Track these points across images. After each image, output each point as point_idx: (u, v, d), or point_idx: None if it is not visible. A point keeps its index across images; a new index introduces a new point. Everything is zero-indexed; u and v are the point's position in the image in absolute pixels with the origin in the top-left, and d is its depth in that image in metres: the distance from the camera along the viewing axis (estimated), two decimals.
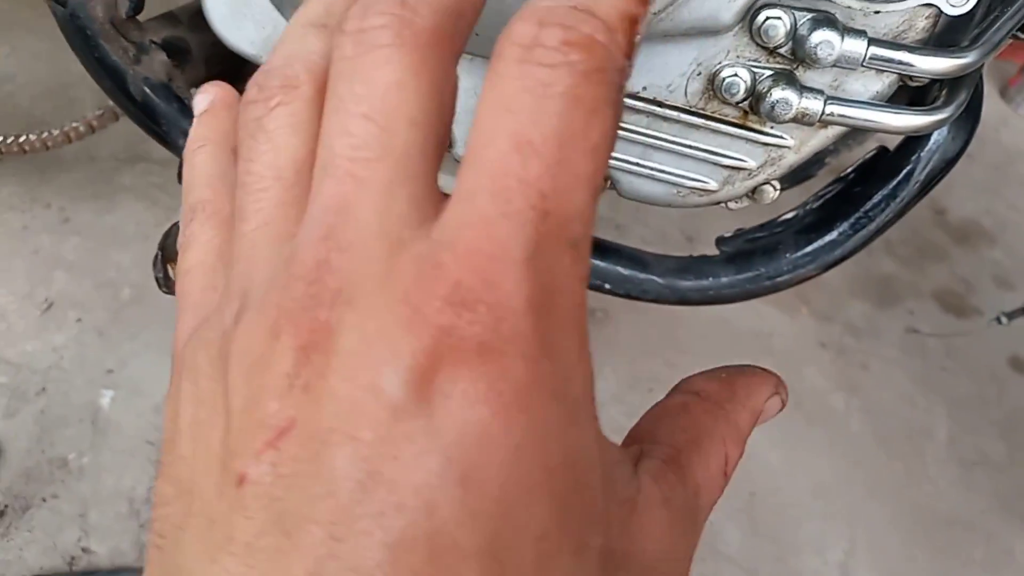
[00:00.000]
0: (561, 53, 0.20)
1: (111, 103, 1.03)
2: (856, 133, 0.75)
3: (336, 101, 0.21)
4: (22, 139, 1.03)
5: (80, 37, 0.55)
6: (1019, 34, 0.54)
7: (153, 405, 1.34)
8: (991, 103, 2.96)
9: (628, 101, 0.52)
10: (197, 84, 0.66)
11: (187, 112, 0.59)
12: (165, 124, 0.58)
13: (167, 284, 0.50)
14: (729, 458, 0.27)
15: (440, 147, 0.22)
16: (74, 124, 1.00)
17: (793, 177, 0.74)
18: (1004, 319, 1.70)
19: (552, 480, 0.18)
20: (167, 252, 0.51)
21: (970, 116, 0.57)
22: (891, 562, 1.51)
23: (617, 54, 0.21)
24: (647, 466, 0.25)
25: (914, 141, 0.58)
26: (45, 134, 1.01)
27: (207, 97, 0.31)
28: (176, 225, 0.52)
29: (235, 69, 0.69)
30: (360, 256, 0.19)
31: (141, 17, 0.59)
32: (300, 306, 0.19)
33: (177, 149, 0.59)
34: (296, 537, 0.17)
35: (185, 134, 0.59)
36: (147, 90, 0.57)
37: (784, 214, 0.64)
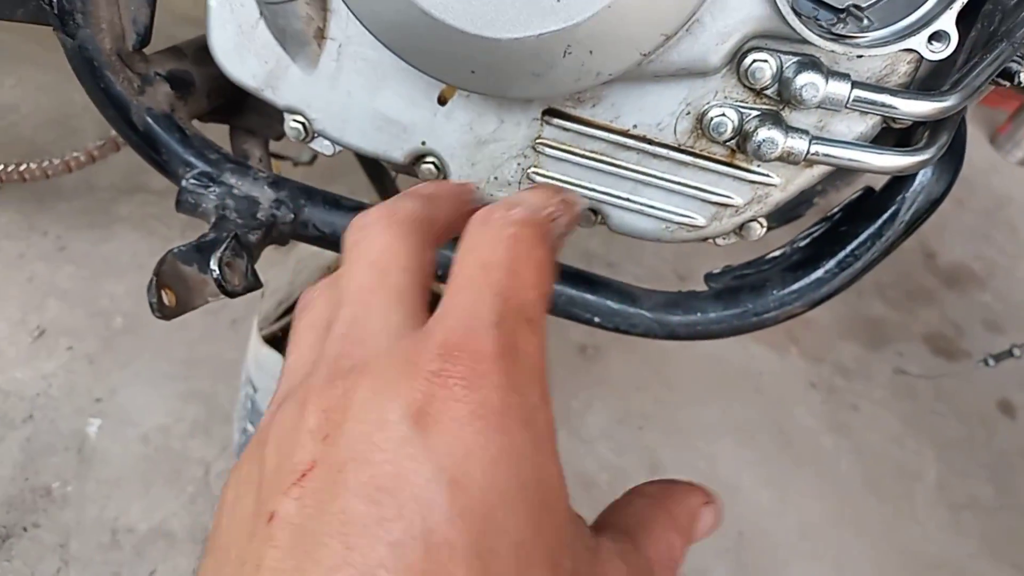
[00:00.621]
0: (506, 220, 0.30)
1: (113, 133, 1.05)
2: (843, 174, 0.77)
3: (349, 261, 0.31)
4: (23, 167, 1.05)
5: (87, 68, 0.56)
6: (999, 80, 0.56)
7: (141, 435, 1.34)
8: (981, 150, 3.01)
9: (618, 139, 0.53)
10: (199, 115, 0.67)
11: (188, 143, 0.60)
12: (165, 153, 0.59)
13: (161, 308, 0.50)
14: (673, 546, 0.31)
15: (423, 286, 0.30)
16: (75, 154, 1.01)
17: (781, 216, 0.75)
18: (991, 361, 1.71)
19: (525, 492, 0.23)
20: (162, 278, 0.51)
21: (954, 158, 0.59)
22: None
23: (544, 221, 0.31)
24: (605, 535, 0.29)
25: (899, 182, 0.59)
26: (46, 163, 1.03)
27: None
28: (171, 251, 0.53)
29: (237, 102, 0.70)
30: (370, 343, 0.26)
31: (147, 50, 0.60)
32: (323, 383, 0.25)
33: (176, 178, 0.60)
34: (316, 554, 0.21)
35: (185, 164, 0.60)
36: (150, 120, 0.59)
37: (772, 252, 0.65)
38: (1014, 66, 0.58)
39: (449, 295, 0.27)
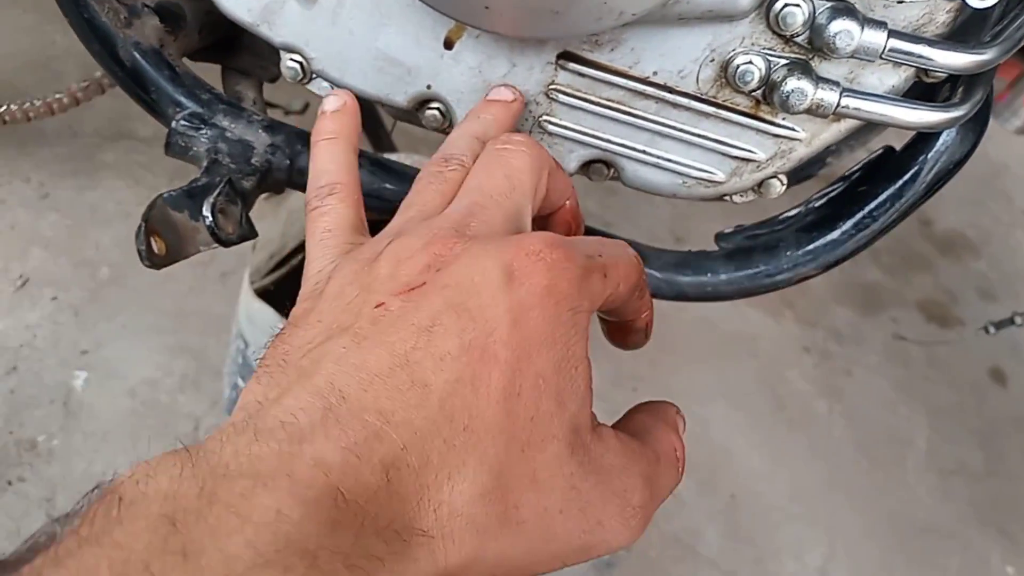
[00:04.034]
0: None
1: (98, 74, 1.00)
2: (860, 134, 0.74)
3: (486, 165, 0.38)
4: (2, 109, 1.00)
5: None
6: None
7: (128, 388, 1.31)
8: None
9: (637, 86, 0.50)
10: (190, 53, 0.64)
11: (178, 81, 0.56)
12: (155, 92, 0.56)
13: (150, 256, 0.47)
14: (675, 445, 0.36)
15: (531, 213, 0.38)
16: (57, 95, 0.97)
17: (795, 176, 0.73)
18: (992, 328, 1.71)
19: (556, 352, 0.30)
20: (152, 224, 0.48)
21: (978, 119, 0.56)
22: (868, 568, 1.51)
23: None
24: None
25: (922, 142, 0.57)
26: (27, 104, 0.98)
27: (339, 99, 0.48)
28: (160, 196, 0.50)
29: (231, 39, 0.67)
30: (488, 228, 0.34)
31: None
32: (447, 234, 0.33)
33: (166, 119, 0.56)
34: (403, 332, 0.29)
35: (175, 104, 0.57)
36: (137, 55, 0.55)
37: (786, 211, 0.63)
38: None
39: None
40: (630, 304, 0.38)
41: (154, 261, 0.50)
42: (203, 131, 0.55)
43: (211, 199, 0.49)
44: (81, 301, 1.40)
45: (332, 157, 0.44)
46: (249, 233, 0.51)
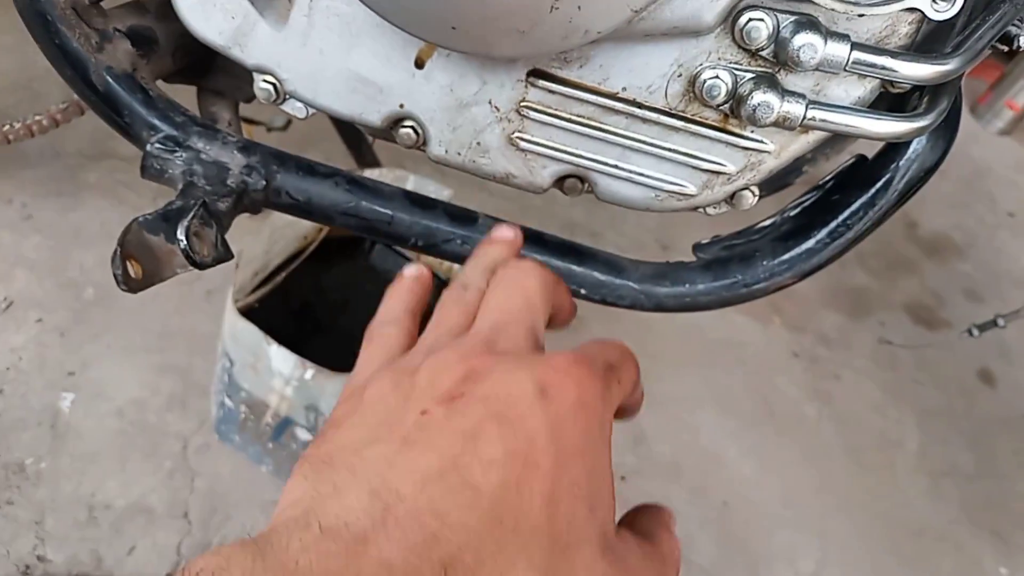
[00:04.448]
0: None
1: (76, 97, 1.00)
2: (833, 142, 0.75)
3: (503, 287, 0.41)
4: None
5: (40, 22, 0.52)
6: (997, 44, 0.54)
7: (115, 409, 1.31)
8: (961, 120, 3.00)
9: (607, 102, 0.51)
10: (164, 75, 0.64)
11: (152, 104, 0.56)
12: (128, 115, 0.56)
13: (126, 281, 0.47)
14: (677, 549, 0.39)
15: (546, 318, 0.41)
16: (37, 117, 0.97)
17: (770, 185, 0.73)
18: (976, 331, 1.71)
19: (589, 463, 0.32)
20: (126, 248, 0.48)
21: (949, 126, 0.57)
22: (861, 572, 1.51)
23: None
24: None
25: (893, 150, 0.58)
26: (7, 127, 0.98)
27: (420, 269, 0.50)
28: (136, 220, 0.50)
29: (205, 61, 0.67)
30: (513, 344, 0.37)
31: (106, 4, 0.57)
32: (480, 349, 0.35)
33: (139, 141, 0.57)
34: (451, 440, 0.30)
35: (149, 127, 0.57)
36: (110, 79, 0.55)
37: (762, 221, 0.64)
38: (1013, 29, 0.56)
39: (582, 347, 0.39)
40: (634, 396, 0.41)
41: (130, 285, 0.50)
42: (178, 153, 0.55)
43: (185, 222, 0.49)
44: (66, 322, 1.40)
45: (400, 303, 0.47)
46: (225, 255, 0.51)
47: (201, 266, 0.49)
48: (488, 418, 0.31)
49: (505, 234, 0.51)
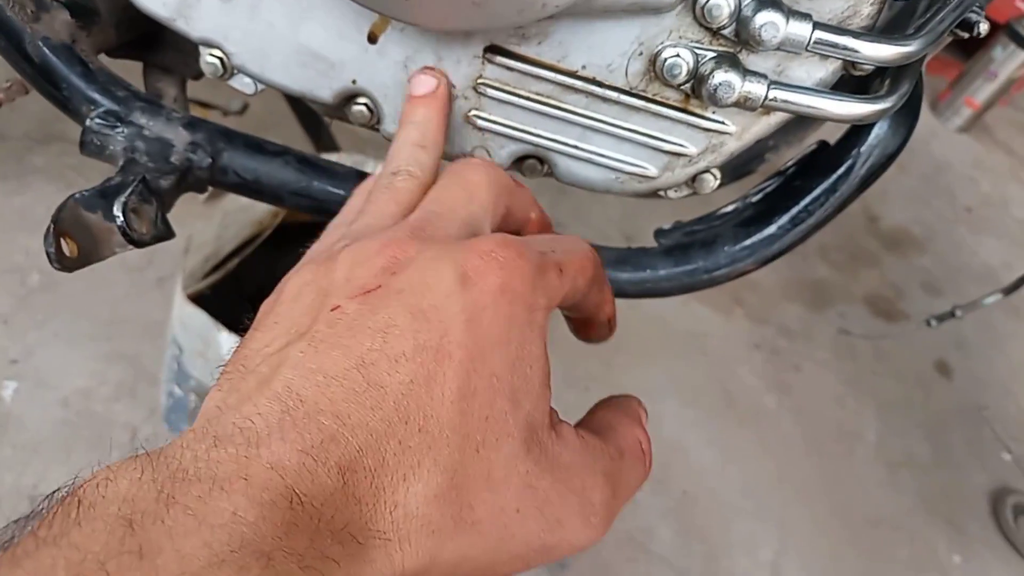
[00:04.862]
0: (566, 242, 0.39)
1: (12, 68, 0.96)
2: (795, 129, 0.74)
3: (443, 179, 0.40)
4: None
5: None
6: (957, 31, 0.54)
7: (60, 398, 1.27)
8: (922, 116, 3.04)
9: (566, 80, 0.49)
10: (105, 49, 0.61)
11: (91, 77, 0.54)
12: (66, 89, 0.54)
13: (60, 259, 0.45)
14: (640, 439, 0.36)
15: (488, 226, 0.38)
16: None
17: (732, 172, 0.73)
18: (934, 322, 1.74)
19: (511, 351, 0.30)
20: (61, 225, 0.46)
21: (910, 113, 0.57)
22: (820, 561, 1.53)
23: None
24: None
25: (854, 136, 0.57)
26: None
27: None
28: (72, 197, 0.47)
29: (151, 35, 0.64)
30: (442, 233, 0.35)
31: None
32: (403, 237, 0.33)
33: (79, 116, 0.54)
34: (359, 336, 0.29)
35: (89, 101, 0.54)
36: (46, 51, 0.52)
37: (723, 207, 0.63)
38: (973, 16, 0.56)
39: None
40: (590, 298, 0.38)
41: (64, 264, 0.47)
42: (119, 129, 0.53)
43: (122, 198, 0.46)
44: (10, 309, 1.35)
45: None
46: (165, 233, 0.49)
47: (139, 244, 0.47)
48: (401, 311, 0.29)
49: (425, 85, 0.47)
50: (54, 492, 0.24)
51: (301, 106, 1.32)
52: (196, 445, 0.25)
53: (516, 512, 0.29)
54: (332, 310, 0.30)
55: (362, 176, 0.58)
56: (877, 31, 0.49)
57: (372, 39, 0.50)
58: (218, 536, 0.22)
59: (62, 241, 0.47)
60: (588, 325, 0.41)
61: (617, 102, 0.50)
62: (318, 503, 0.25)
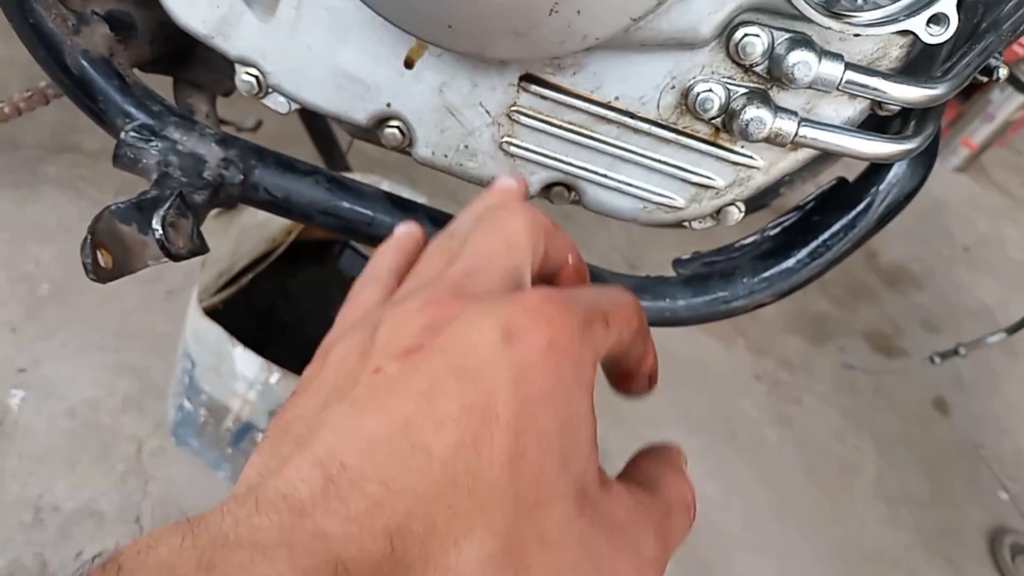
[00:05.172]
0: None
1: (42, 84, 0.97)
2: (812, 164, 0.76)
3: (482, 229, 0.38)
4: None
5: (14, 1, 0.50)
6: (978, 75, 0.55)
7: (67, 408, 1.26)
8: None
9: (599, 110, 0.50)
10: (141, 64, 0.62)
11: (128, 91, 0.55)
12: (103, 101, 0.54)
13: (96, 270, 0.46)
14: (686, 492, 0.35)
15: (529, 274, 0.37)
16: None
17: (749, 204, 0.74)
18: (937, 359, 1.75)
19: (560, 410, 0.29)
20: (98, 236, 0.47)
21: (928, 153, 0.58)
22: None
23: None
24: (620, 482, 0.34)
25: (874, 174, 0.58)
26: None
27: (412, 225, 0.46)
28: (108, 208, 0.48)
29: (184, 51, 0.65)
30: (485, 288, 0.33)
31: None
32: (445, 296, 0.32)
33: (114, 130, 0.55)
34: (402, 400, 0.28)
35: (124, 114, 0.55)
36: (85, 63, 0.53)
37: (743, 239, 0.64)
38: (993, 61, 0.57)
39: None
40: (634, 350, 0.37)
41: (100, 275, 0.48)
42: (153, 143, 0.54)
43: (161, 212, 0.47)
44: (18, 317, 1.35)
45: (387, 261, 0.44)
46: (200, 248, 0.50)
47: (176, 258, 0.47)
48: (445, 371, 0.29)
49: (507, 184, 0.47)
50: (95, 557, 0.24)
51: (315, 126, 1.33)
52: (238, 511, 0.25)
53: (572, 571, 0.28)
54: (374, 372, 0.30)
55: (389, 197, 0.58)
56: (905, 74, 0.50)
57: (409, 64, 0.51)
58: None
59: (98, 252, 0.48)
60: (629, 378, 0.40)
61: (648, 133, 0.51)
62: (365, 570, 0.24)
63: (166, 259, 0.48)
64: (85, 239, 0.46)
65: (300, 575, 0.23)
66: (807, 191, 0.64)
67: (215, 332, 0.99)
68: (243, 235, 1.16)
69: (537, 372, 0.29)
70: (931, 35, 0.46)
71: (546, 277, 0.41)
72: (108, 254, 0.48)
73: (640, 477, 0.35)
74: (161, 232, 0.46)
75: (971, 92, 3.13)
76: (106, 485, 1.19)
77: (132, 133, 0.54)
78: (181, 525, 0.24)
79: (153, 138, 0.54)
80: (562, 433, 0.29)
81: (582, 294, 0.34)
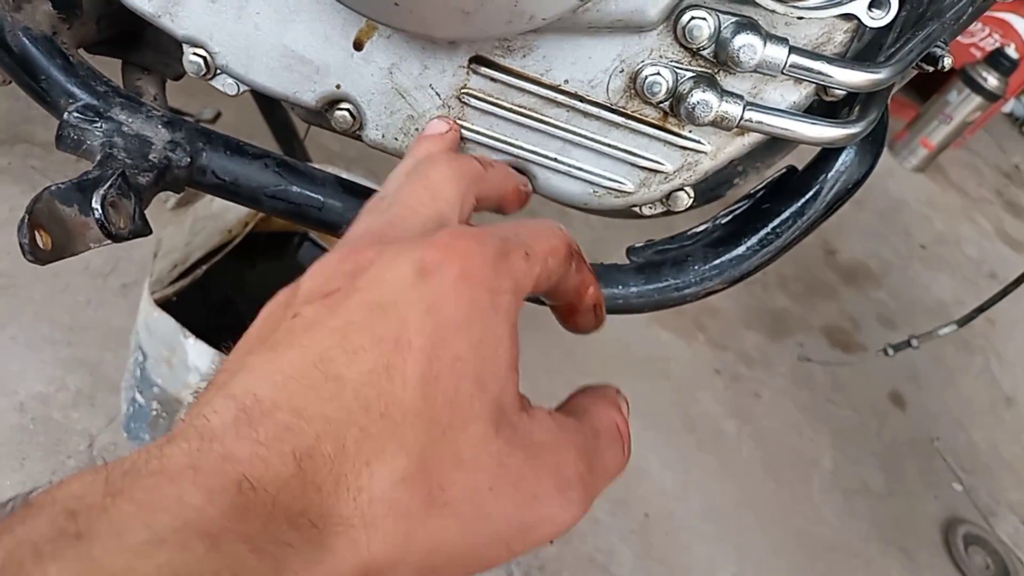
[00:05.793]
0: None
1: None
2: (765, 154, 0.76)
3: (406, 180, 0.39)
4: None
5: None
6: (923, 64, 0.56)
7: (16, 403, 1.23)
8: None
9: (549, 93, 0.50)
10: (87, 44, 0.61)
11: (71, 71, 0.53)
12: (45, 81, 0.53)
13: (33, 251, 0.45)
14: (617, 421, 0.36)
15: (464, 210, 0.39)
16: None
17: (703, 196, 0.74)
18: (890, 351, 1.78)
19: (474, 336, 0.30)
20: (36, 217, 0.45)
21: (876, 142, 0.59)
22: None
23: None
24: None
25: (822, 162, 0.59)
26: None
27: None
28: (47, 189, 0.47)
29: (132, 33, 0.64)
30: (407, 233, 0.35)
31: None
32: (364, 244, 0.33)
33: (57, 110, 0.54)
34: (317, 337, 0.29)
35: (68, 95, 0.54)
36: (26, 41, 0.52)
37: (695, 227, 0.64)
38: (938, 51, 0.58)
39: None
40: (568, 281, 0.38)
41: (38, 256, 0.47)
42: (98, 124, 0.52)
43: (102, 191, 0.46)
44: None
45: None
46: (143, 230, 0.49)
47: (116, 238, 0.46)
48: (360, 308, 0.30)
49: (436, 127, 0.48)
50: (8, 501, 0.25)
51: (274, 116, 1.32)
52: (152, 448, 0.25)
53: (489, 490, 0.29)
54: (293, 317, 0.31)
55: (340, 181, 0.58)
56: (849, 59, 0.51)
57: (358, 46, 0.51)
58: (160, 518, 0.22)
59: (36, 233, 0.47)
60: (572, 312, 0.41)
61: (597, 117, 0.51)
62: (272, 489, 0.25)
63: (108, 241, 0.47)
64: (23, 219, 0.45)
65: (205, 493, 0.23)
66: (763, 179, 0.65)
67: (167, 323, 0.98)
68: (198, 225, 1.14)
69: (450, 301, 0.30)
70: (873, 18, 0.47)
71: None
72: (47, 235, 0.46)
73: (571, 408, 0.36)
74: (101, 212, 0.45)
75: (929, 93, 3.19)
76: (55, 481, 1.16)
77: (76, 114, 0.52)
78: (99, 467, 0.25)
79: (97, 119, 0.53)
80: (477, 357, 0.30)
81: (501, 228, 0.35)
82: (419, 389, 0.28)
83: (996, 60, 2.98)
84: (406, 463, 0.27)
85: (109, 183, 0.47)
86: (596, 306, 0.41)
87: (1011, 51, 2.98)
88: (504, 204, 0.44)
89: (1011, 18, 3.13)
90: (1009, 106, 3.99)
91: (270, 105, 1.20)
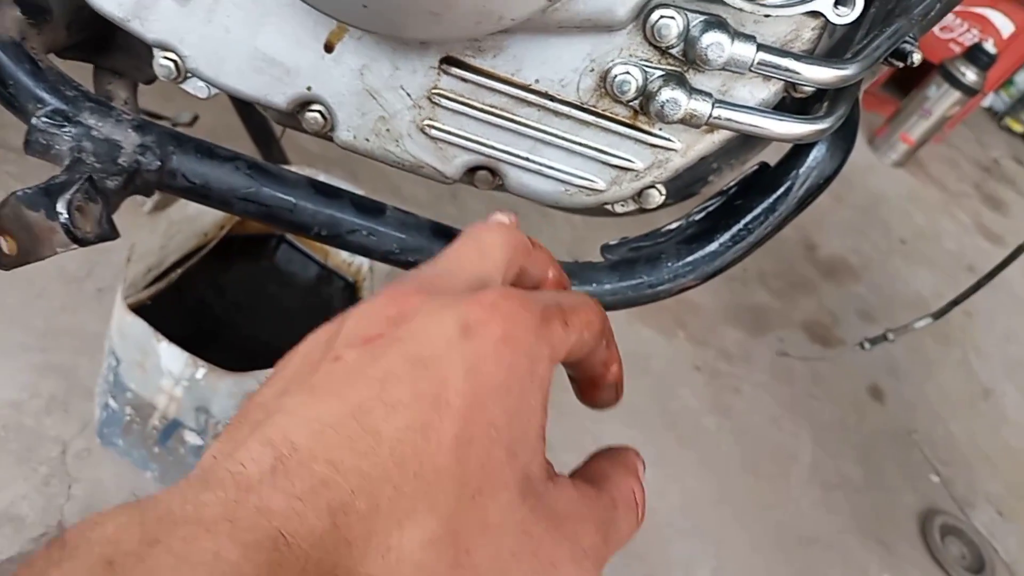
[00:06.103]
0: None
1: None
2: (738, 152, 0.77)
3: (460, 240, 0.39)
4: None
5: None
6: (893, 60, 0.57)
7: None
8: (860, 151, 3.17)
9: (519, 93, 0.50)
10: (56, 49, 0.60)
11: (40, 75, 0.53)
12: (13, 86, 0.53)
13: None
14: (634, 490, 0.36)
15: (508, 276, 0.38)
16: None
17: (677, 193, 0.75)
18: (868, 345, 1.80)
19: (511, 402, 0.30)
20: (2, 222, 0.45)
21: (847, 138, 0.59)
22: None
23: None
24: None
25: (794, 158, 0.59)
26: None
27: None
28: (13, 194, 0.46)
29: (103, 37, 0.63)
30: (452, 285, 0.35)
31: None
32: (410, 291, 0.33)
33: (26, 115, 0.53)
34: (357, 386, 0.29)
35: (36, 99, 0.53)
36: None
37: (668, 224, 0.65)
38: (907, 47, 0.59)
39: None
40: (597, 355, 0.38)
41: (3, 262, 0.46)
42: (66, 129, 0.52)
43: (67, 196, 0.46)
44: None
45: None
46: (109, 234, 0.48)
47: (82, 242, 0.46)
48: (401, 360, 0.30)
49: (499, 219, 0.48)
50: (41, 535, 0.24)
51: (252, 119, 1.31)
52: (187, 490, 0.25)
53: (511, 556, 0.29)
54: (334, 360, 0.31)
55: (312, 183, 0.58)
56: (817, 56, 0.52)
57: (329, 48, 0.51)
58: (197, 573, 0.23)
59: (1, 239, 0.46)
60: (594, 386, 0.41)
61: (568, 116, 0.51)
62: (307, 545, 0.25)
63: (74, 245, 0.46)
64: None
65: (241, 548, 0.24)
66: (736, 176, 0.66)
67: (139, 327, 0.97)
68: (172, 229, 1.13)
69: (490, 364, 0.30)
70: (839, 16, 0.47)
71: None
72: (12, 240, 0.46)
73: (590, 474, 0.36)
74: (67, 216, 0.45)
75: (909, 88, 3.23)
76: (27, 488, 1.15)
77: (44, 119, 0.52)
78: (130, 505, 0.25)
79: (66, 124, 0.52)
80: (511, 424, 0.30)
81: (543, 295, 0.36)
82: (453, 451, 0.28)
83: (974, 55, 3.01)
84: (435, 525, 0.27)
85: (76, 187, 0.46)
86: (617, 383, 0.41)
87: (989, 46, 3.02)
88: (542, 287, 0.44)
89: (989, 13, 3.17)
90: (988, 100, 4.04)
91: (247, 107, 1.20)
